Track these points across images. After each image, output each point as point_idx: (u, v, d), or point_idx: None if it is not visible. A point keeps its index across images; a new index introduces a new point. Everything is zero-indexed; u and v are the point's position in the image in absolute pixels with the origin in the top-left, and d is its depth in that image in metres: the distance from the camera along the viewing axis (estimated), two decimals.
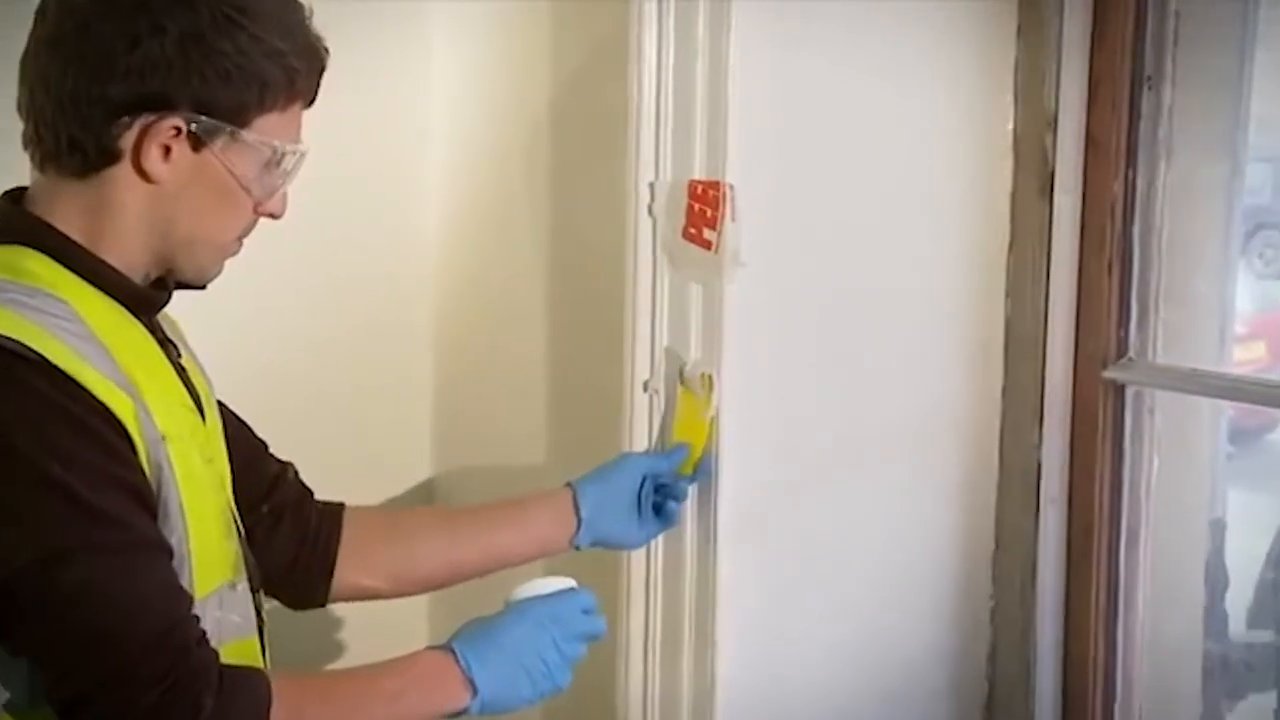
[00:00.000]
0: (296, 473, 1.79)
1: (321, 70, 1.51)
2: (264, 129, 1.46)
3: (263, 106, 1.45)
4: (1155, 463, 2.04)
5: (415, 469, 2.77)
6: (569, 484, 1.87)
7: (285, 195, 1.53)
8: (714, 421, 1.89)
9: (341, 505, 1.81)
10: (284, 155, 1.48)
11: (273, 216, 1.53)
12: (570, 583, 1.62)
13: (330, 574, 1.77)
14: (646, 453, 1.96)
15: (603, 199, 2.09)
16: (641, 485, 1.88)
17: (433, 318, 2.75)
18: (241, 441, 1.68)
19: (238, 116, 1.44)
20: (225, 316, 2.13)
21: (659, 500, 1.90)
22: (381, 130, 2.64)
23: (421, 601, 2.45)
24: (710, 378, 1.89)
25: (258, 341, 2.49)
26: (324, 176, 2.22)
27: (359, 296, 2.66)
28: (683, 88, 1.92)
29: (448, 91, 2.67)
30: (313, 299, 2.60)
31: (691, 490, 1.94)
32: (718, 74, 1.88)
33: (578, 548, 1.86)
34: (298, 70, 1.46)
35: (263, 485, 1.73)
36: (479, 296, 2.66)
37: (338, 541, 1.77)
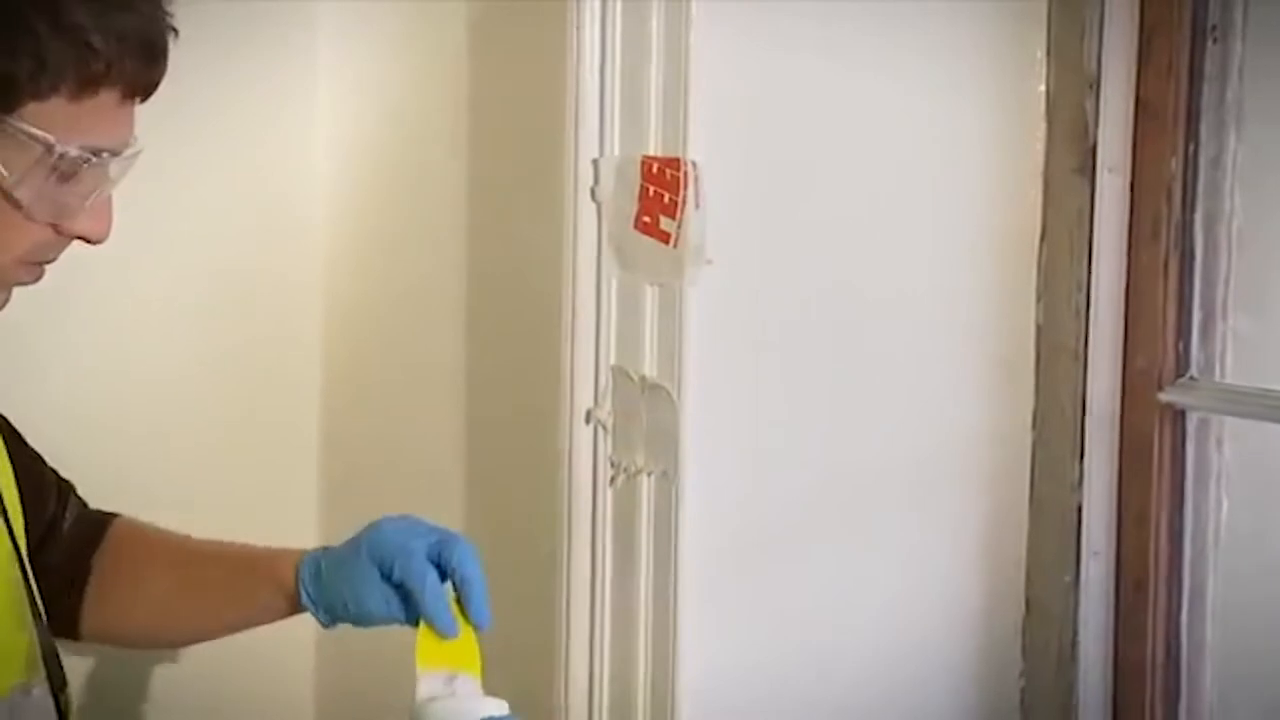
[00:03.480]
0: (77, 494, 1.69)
1: (154, 59, 1.28)
2: (41, 118, 1.23)
3: (36, 88, 1.22)
4: (1224, 506, 1.98)
5: (299, 516, 2.64)
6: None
7: (105, 211, 1.30)
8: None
9: (113, 515, 1.68)
10: (63, 155, 1.24)
11: (87, 241, 1.30)
12: (502, 708, 1.46)
13: (80, 591, 1.63)
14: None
15: (534, 180, 2.04)
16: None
17: (320, 330, 2.68)
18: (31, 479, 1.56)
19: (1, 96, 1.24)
20: (84, 329, 2.31)
21: None
22: (258, 109, 2.56)
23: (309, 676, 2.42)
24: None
25: (122, 357, 2.44)
26: (195, 168, 2.32)
27: (234, 307, 2.58)
28: (633, 42, 1.86)
29: (340, 59, 2.61)
30: (183, 308, 2.53)
31: (647, 544, 1.88)
32: (676, 26, 1.83)
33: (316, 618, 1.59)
34: (98, 52, 1.24)
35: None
36: (378, 304, 2.58)
37: (93, 553, 1.64)
